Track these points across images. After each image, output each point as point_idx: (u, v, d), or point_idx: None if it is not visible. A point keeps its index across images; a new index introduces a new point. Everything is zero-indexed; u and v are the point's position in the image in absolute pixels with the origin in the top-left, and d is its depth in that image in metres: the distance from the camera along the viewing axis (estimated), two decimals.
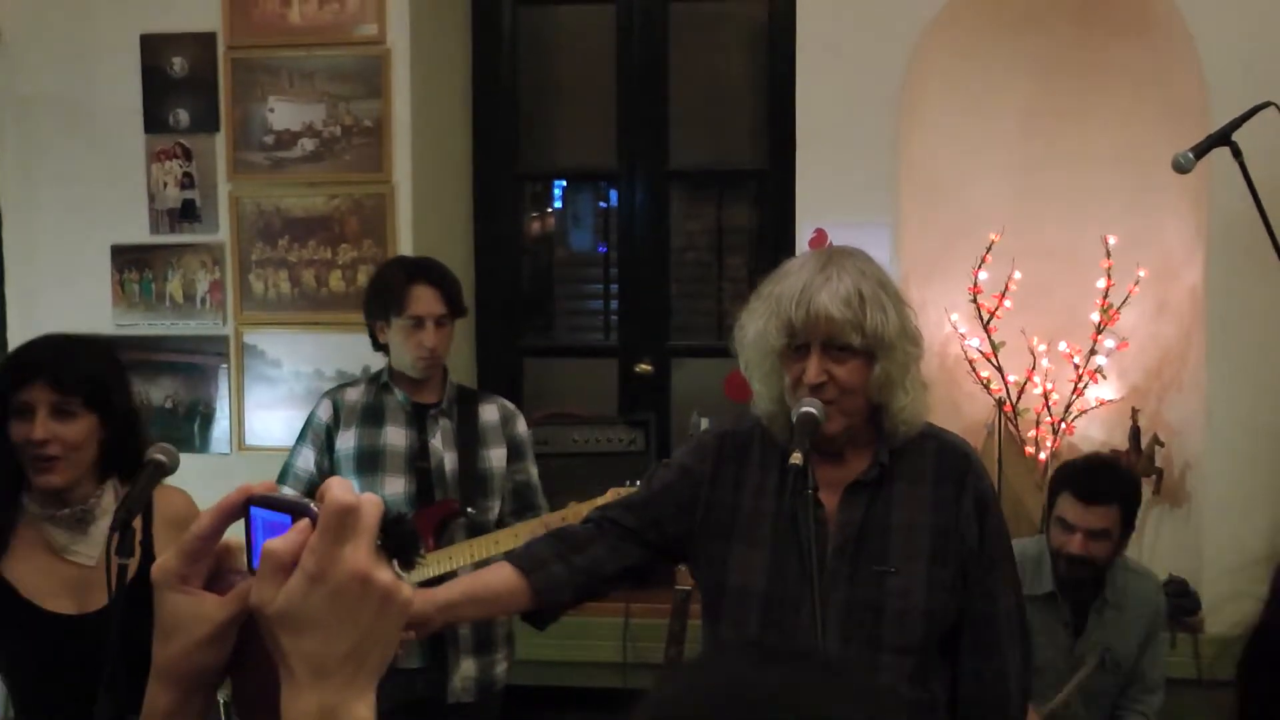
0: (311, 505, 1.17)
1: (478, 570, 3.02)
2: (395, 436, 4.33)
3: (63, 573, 3.17)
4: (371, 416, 4.36)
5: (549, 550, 2.98)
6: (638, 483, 3.34)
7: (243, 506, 1.22)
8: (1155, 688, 4.45)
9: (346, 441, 4.34)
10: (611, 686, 5.03)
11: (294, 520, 1.17)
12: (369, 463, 4.31)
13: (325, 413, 4.40)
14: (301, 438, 4.44)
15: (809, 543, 2.75)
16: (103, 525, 3.12)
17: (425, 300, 4.28)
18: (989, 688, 2.95)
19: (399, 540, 1.18)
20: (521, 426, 4.51)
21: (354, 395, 4.41)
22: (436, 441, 4.35)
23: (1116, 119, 5.27)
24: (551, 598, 2.95)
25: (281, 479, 4.39)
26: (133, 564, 3.17)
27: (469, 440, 4.38)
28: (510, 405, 4.53)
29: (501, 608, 2.94)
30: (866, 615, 2.87)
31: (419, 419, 4.37)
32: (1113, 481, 4.31)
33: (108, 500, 3.18)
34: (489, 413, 4.45)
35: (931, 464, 2.96)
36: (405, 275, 4.35)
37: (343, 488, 1.16)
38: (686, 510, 3.01)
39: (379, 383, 4.41)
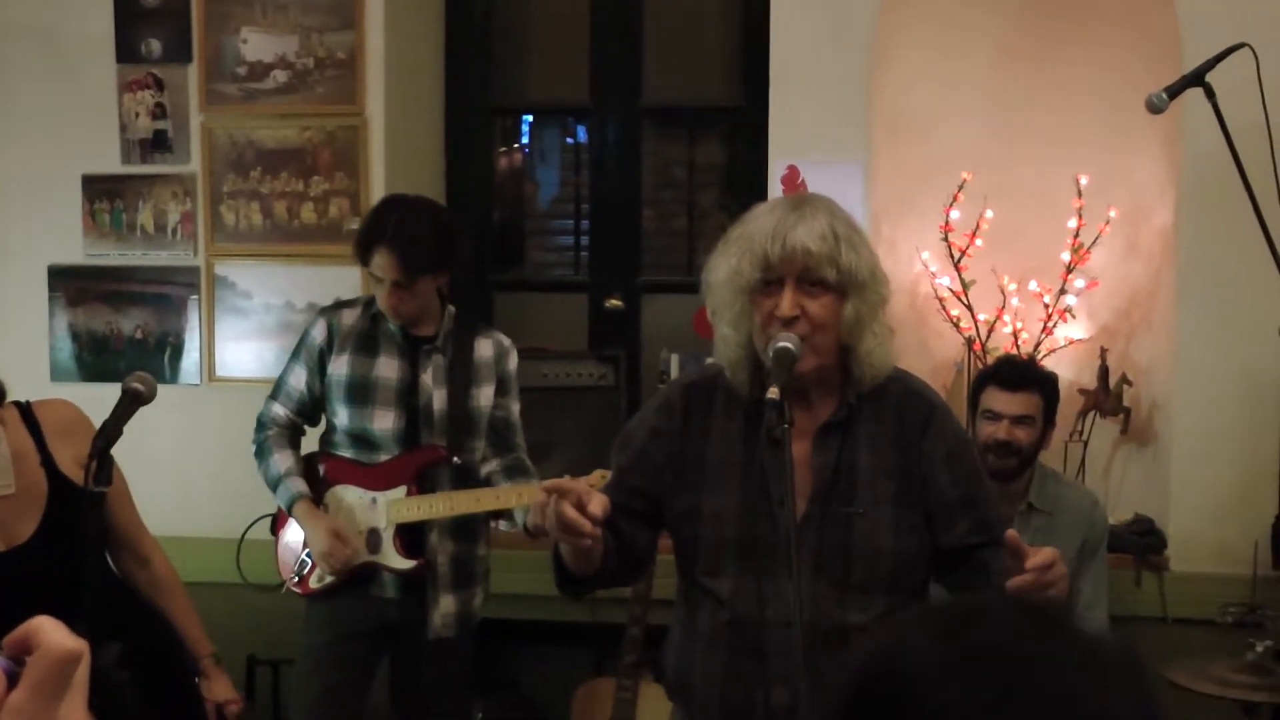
0: None
1: None
2: (387, 368, 4.29)
3: None
4: (365, 344, 4.32)
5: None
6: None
7: None
8: (1095, 604, 4.46)
9: (339, 368, 4.30)
10: (581, 620, 5.06)
11: None
12: (360, 394, 4.29)
13: (320, 334, 4.35)
14: (295, 356, 4.42)
15: (784, 482, 2.76)
16: (2, 450, 3.12)
17: (381, 264, 4.18)
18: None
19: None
20: (512, 363, 4.45)
21: (349, 319, 4.36)
22: (427, 377, 4.31)
23: (1091, 59, 5.26)
24: (595, 578, 2.94)
25: (274, 395, 4.43)
26: (42, 482, 3.17)
27: (461, 378, 4.33)
28: (505, 341, 4.46)
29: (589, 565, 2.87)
30: (837, 557, 2.88)
31: (413, 351, 4.32)
32: (1032, 370, 4.55)
33: None
34: (484, 348, 4.39)
35: (894, 407, 2.97)
36: (376, 231, 4.21)
37: (58, 629, 0.94)
38: (662, 471, 3.01)
39: (371, 311, 4.35)
